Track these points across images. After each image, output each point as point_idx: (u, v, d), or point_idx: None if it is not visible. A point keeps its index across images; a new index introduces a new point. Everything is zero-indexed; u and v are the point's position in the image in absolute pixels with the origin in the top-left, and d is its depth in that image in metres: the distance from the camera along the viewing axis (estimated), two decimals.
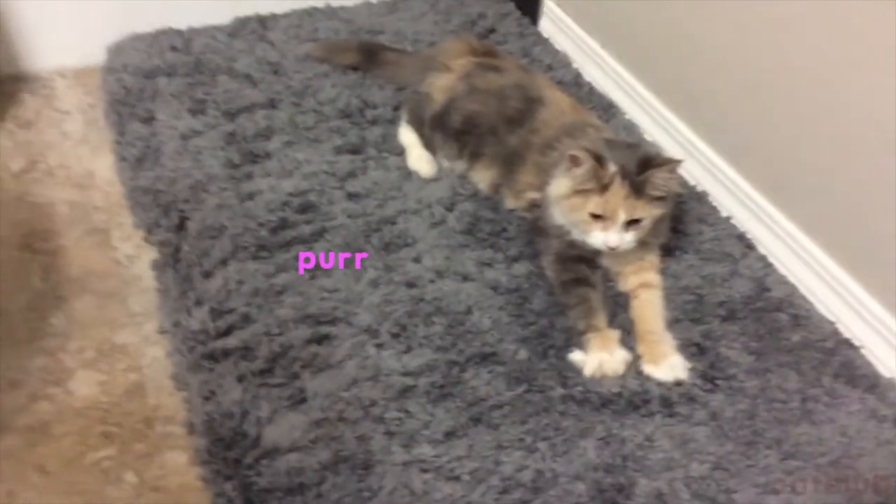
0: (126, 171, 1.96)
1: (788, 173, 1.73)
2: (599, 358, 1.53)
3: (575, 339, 1.57)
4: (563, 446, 1.40)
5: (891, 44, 1.41)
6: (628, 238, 1.57)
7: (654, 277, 1.68)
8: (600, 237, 1.56)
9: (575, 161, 1.54)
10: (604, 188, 1.54)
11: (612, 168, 1.54)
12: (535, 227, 1.74)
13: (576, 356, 1.55)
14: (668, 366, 1.52)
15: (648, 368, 1.53)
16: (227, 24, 2.45)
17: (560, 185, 1.60)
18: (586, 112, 1.89)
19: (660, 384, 1.50)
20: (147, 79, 2.21)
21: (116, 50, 2.34)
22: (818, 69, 1.58)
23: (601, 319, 1.58)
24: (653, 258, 1.69)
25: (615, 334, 1.57)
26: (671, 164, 1.57)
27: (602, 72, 2.26)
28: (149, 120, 2.08)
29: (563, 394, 1.48)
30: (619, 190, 1.54)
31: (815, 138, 1.63)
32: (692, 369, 1.53)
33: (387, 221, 1.81)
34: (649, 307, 1.63)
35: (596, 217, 1.56)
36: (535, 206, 1.72)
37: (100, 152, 2.11)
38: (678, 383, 1.51)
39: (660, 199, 1.58)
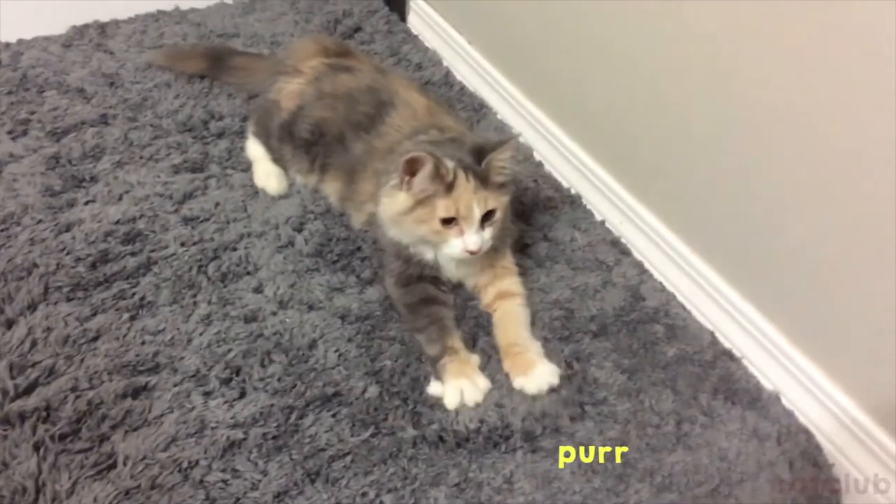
0: None
1: (659, 174, 1.60)
2: (459, 386, 1.37)
3: (430, 368, 1.41)
4: (411, 498, 1.24)
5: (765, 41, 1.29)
6: (487, 237, 1.42)
7: (512, 284, 1.53)
8: (457, 244, 1.41)
9: (413, 165, 1.37)
10: (449, 187, 1.39)
11: (449, 163, 1.39)
12: (376, 244, 1.58)
13: (433, 389, 1.39)
14: (537, 375, 1.38)
15: (518, 382, 1.39)
16: (62, 34, 2.22)
17: (397, 201, 1.43)
18: (443, 114, 1.73)
19: (523, 418, 1.35)
20: None
21: None
22: (690, 66, 1.44)
23: (456, 340, 1.43)
24: (507, 263, 1.55)
25: (474, 359, 1.42)
26: (508, 142, 1.43)
27: (472, 70, 2.11)
28: None
29: (414, 435, 1.32)
30: (465, 185, 1.39)
31: (685, 138, 1.50)
32: (557, 397, 1.38)
33: (226, 247, 1.62)
34: (510, 318, 1.48)
35: (447, 222, 1.40)
36: (373, 220, 1.56)
37: None
38: (545, 414, 1.35)
39: (503, 185, 1.44)
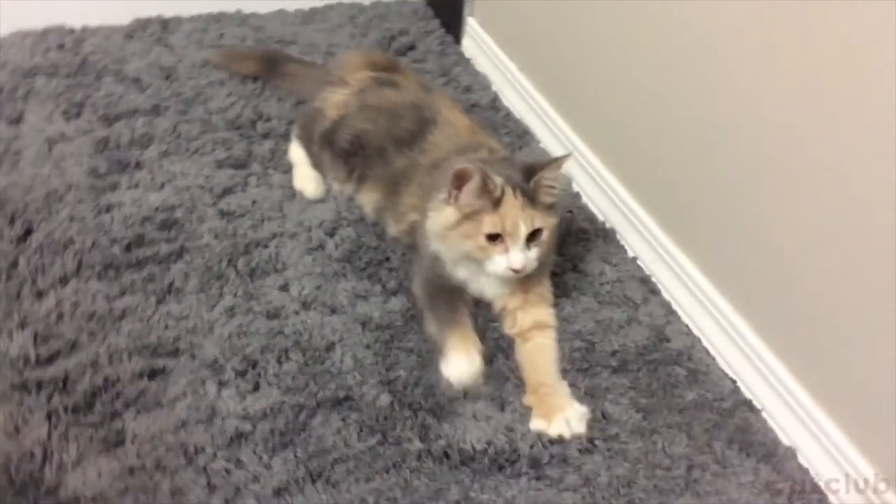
0: None
1: (697, 218, 1.58)
2: (459, 360, 1.40)
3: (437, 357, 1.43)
4: None
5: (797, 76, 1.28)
6: (532, 256, 1.42)
7: (547, 315, 1.52)
8: (502, 261, 1.40)
9: (462, 177, 1.38)
10: (496, 203, 1.39)
11: (497, 179, 1.39)
12: (411, 250, 1.60)
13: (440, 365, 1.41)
14: (563, 420, 1.36)
15: (538, 424, 1.36)
16: (126, 25, 2.29)
17: (444, 215, 1.44)
18: (485, 135, 1.74)
19: (532, 444, 1.33)
20: (25, 77, 2.03)
21: None
22: (733, 115, 1.43)
23: (464, 317, 1.46)
24: (543, 290, 1.54)
25: (477, 342, 1.44)
26: (558, 160, 1.44)
27: (519, 97, 2.12)
28: (16, 121, 1.90)
29: (420, 448, 1.31)
30: (513, 202, 1.39)
31: (724, 183, 1.48)
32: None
33: (258, 244, 1.64)
34: (543, 354, 1.47)
35: (492, 238, 1.40)
36: (414, 228, 1.56)
37: None
38: (554, 443, 1.34)
39: (551, 206, 1.44)
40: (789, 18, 1.27)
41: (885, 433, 1.25)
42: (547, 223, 1.43)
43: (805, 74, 1.27)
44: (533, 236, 1.41)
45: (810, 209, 1.30)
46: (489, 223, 1.39)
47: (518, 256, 1.40)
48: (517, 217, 1.39)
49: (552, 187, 1.44)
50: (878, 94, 1.15)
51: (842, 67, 1.20)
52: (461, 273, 1.49)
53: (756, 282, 1.45)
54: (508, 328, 1.52)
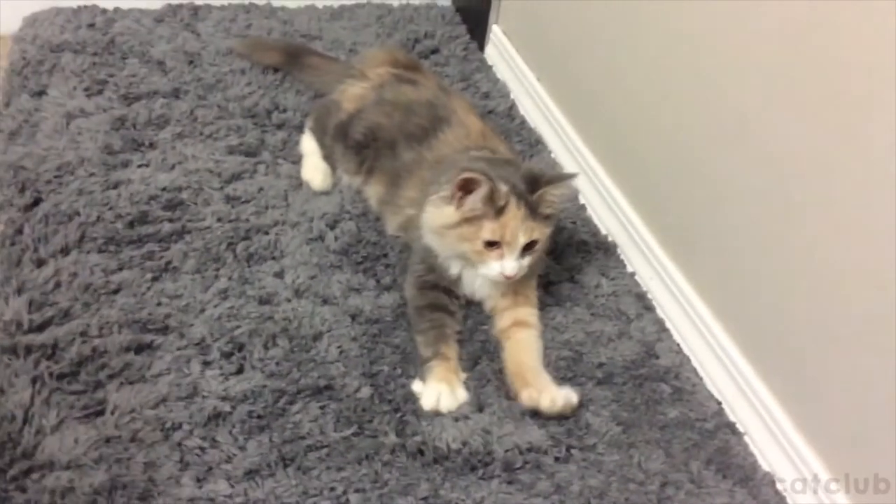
0: None
1: (698, 239, 1.56)
2: (439, 390, 1.38)
3: (419, 368, 1.42)
4: (378, 501, 1.23)
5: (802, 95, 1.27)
6: (525, 264, 1.43)
7: (530, 315, 1.53)
8: (496, 267, 1.42)
9: (469, 184, 1.39)
10: (499, 212, 1.40)
11: (503, 188, 1.40)
12: (408, 249, 1.61)
13: (416, 386, 1.40)
14: (551, 395, 1.37)
15: (528, 398, 1.37)
16: (157, 9, 2.33)
17: (443, 213, 1.45)
18: (496, 141, 1.75)
19: (507, 448, 1.33)
20: (52, 52, 2.08)
21: (31, 20, 2.22)
22: (746, 138, 1.42)
23: (451, 349, 1.44)
24: (530, 292, 1.54)
25: (460, 372, 1.43)
26: (565, 180, 1.45)
27: (535, 106, 2.12)
28: (39, 94, 1.95)
29: (395, 442, 1.31)
30: (515, 212, 1.40)
31: (730, 212, 1.46)
32: (546, 434, 1.36)
33: (259, 230, 1.66)
34: (524, 347, 1.47)
35: (490, 245, 1.41)
36: (410, 222, 1.57)
37: None
38: (530, 449, 1.33)
39: (549, 217, 1.45)
40: (812, 47, 1.26)
41: (867, 469, 1.23)
42: (543, 234, 1.44)
43: (818, 105, 1.26)
44: (529, 246, 1.42)
45: (811, 243, 1.29)
46: (489, 230, 1.40)
47: (513, 265, 1.41)
48: (517, 228, 1.39)
49: (554, 201, 1.45)
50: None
51: (867, 96, 1.19)
52: (454, 269, 1.50)
53: (749, 307, 1.44)
54: (497, 329, 1.53)
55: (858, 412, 1.23)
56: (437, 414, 1.36)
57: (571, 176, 1.47)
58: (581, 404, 1.41)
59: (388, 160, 1.70)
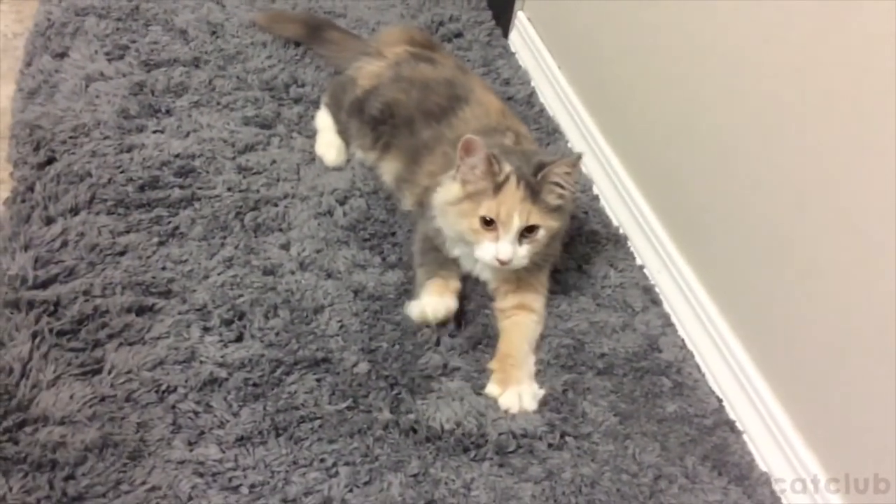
0: (18, 103, 1.82)
1: (709, 236, 1.54)
2: (427, 301, 1.43)
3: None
4: (367, 476, 1.23)
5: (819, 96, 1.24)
6: (522, 253, 1.41)
7: (534, 301, 1.52)
8: (490, 248, 1.40)
9: (468, 147, 1.38)
10: (497, 188, 1.39)
11: (507, 167, 1.39)
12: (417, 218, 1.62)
13: (407, 308, 1.46)
14: (516, 393, 1.36)
15: (492, 389, 1.38)
16: None
17: (449, 190, 1.45)
18: (515, 120, 1.74)
19: (501, 432, 1.32)
20: (77, 16, 2.08)
21: None
22: (766, 135, 1.40)
23: (450, 273, 1.49)
24: (536, 282, 1.53)
25: (455, 284, 1.48)
26: (567, 160, 1.41)
27: (555, 94, 2.10)
28: (61, 55, 1.95)
29: (388, 419, 1.31)
30: (514, 191, 1.38)
31: (742, 211, 1.43)
32: (542, 420, 1.35)
33: (268, 202, 1.66)
34: (517, 329, 1.47)
35: (487, 224, 1.39)
36: (426, 193, 1.56)
37: (6, 80, 1.98)
38: (524, 434, 1.33)
39: (557, 209, 1.43)
40: (835, 51, 1.24)
41: (864, 471, 1.21)
42: (546, 224, 1.41)
43: (838, 106, 1.23)
44: (528, 232, 1.40)
45: (820, 246, 1.26)
46: (486, 207, 1.39)
47: (506, 248, 1.39)
48: (513, 207, 1.38)
49: (561, 187, 1.42)
50: None
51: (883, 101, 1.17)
52: (455, 252, 1.50)
53: (757, 307, 1.42)
54: (499, 308, 1.52)
55: (859, 414, 1.21)
56: (426, 324, 1.42)
57: (575, 157, 1.44)
58: (579, 393, 1.40)
59: (405, 137, 1.69)
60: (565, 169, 1.41)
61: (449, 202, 1.44)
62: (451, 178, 1.45)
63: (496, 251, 1.40)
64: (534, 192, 1.40)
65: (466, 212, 1.41)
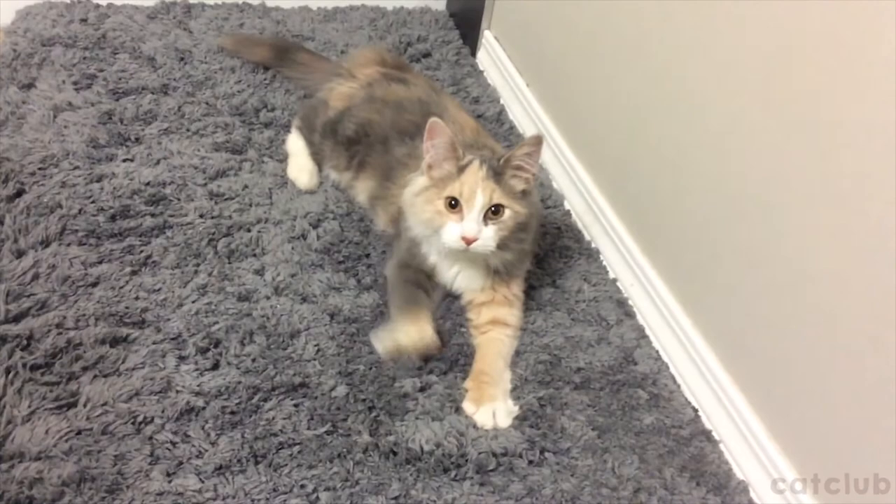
0: None
1: (679, 248, 1.56)
2: (403, 331, 1.44)
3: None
4: (347, 501, 1.23)
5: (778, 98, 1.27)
6: (488, 234, 1.41)
7: (508, 315, 1.53)
8: (456, 230, 1.41)
9: (433, 130, 1.41)
10: (461, 170, 1.42)
11: (470, 155, 1.43)
12: (396, 239, 1.62)
13: (372, 336, 1.47)
14: (490, 410, 1.37)
15: (467, 407, 1.39)
16: (150, 6, 2.33)
17: (417, 184, 1.48)
18: (489, 137, 1.75)
19: (481, 451, 1.32)
20: (43, 46, 2.08)
21: (24, 14, 2.22)
22: (731, 150, 1.42)
23: (423, 312, 1.48)
24: (511, 293, 1.54)
25: (429, 321, 1.47)
26: (528, 140, 1.43)
27: (524, 112, 2.12)
28: (27, 87, 1.94)
29: (368, 442, 1.31)
30: (476, 171, 1.41)
31: (711, 223, 1.46)
32: (521, 437, 1.35)
33: (241, 227, 1.66)
34: (492, 345, 1.48)
35: (452, 207, 1.41)
36: (401, 213, 1.57)
37: None
38: (504, 452, 1.33)
39: (523, 194, 1.44)
40: (807, 68, 1.26)
41: (842, 479, 1.22)
42: (511, 206, 1.42)
43: (802, 114, 1.26)
44: (493, 214, 1.41)
45: (789, 255, 1.29)
46: (450, 188, 1.41)
47: (472, 226, 1.40)
48: (475, 185, 1.40)
49: (523, 169, 1.43)
50: None
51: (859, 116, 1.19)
52: (432, 257, 1.51)
53: (729, 316, 1.44)
54: (473, 325, 1.53)
55: (831, 419, 1.23)
56: (398, 353, 1.42)
57: (535, 137, 1.44)
58: (557, 408, 1.41)
59: (379, 155, 1.70)
60: (526, 150, 1.43)
61: (416, 193, 1.47)
62: (415, 176, 1.49)
63: (461, 230, 1.40)
64: (497, 175, 1.42)
65: (432, 197, 1.43)
